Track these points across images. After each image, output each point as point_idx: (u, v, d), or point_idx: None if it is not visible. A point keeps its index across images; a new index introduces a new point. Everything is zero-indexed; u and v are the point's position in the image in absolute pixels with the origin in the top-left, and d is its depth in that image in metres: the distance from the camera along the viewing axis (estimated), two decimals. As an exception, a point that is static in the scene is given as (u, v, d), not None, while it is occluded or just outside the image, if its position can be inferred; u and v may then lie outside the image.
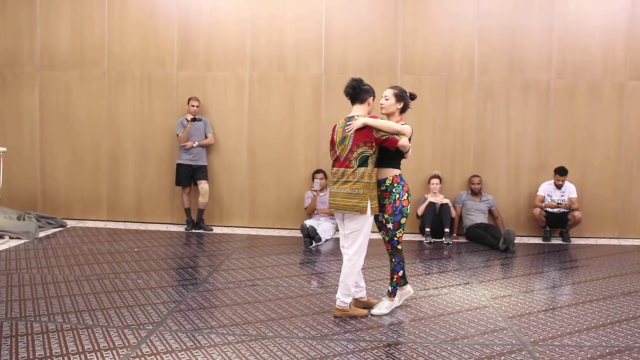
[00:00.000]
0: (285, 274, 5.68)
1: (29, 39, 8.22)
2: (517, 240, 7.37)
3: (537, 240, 7.71)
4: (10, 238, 6.88)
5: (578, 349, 3.84)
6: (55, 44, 8.20)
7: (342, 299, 4.40)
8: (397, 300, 4.61)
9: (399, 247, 4.46)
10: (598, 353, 3.78)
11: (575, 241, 7.67)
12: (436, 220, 7.52)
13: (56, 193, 8.35)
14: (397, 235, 4.42)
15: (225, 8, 8.03)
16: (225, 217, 8.21)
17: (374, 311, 4.49)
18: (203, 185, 7.78)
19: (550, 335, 4.11)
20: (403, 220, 4.39)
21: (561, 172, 7.54)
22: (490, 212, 7.81)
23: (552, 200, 7.61)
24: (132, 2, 8.10)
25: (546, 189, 7.69)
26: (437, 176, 7.67)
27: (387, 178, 4.38)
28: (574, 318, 4.50)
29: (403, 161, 4.47)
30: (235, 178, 8.15)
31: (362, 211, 4.26)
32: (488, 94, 7.91)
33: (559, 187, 7.59)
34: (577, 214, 7.55)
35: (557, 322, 4.40)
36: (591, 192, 7.90)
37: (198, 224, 7.89)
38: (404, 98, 4.44)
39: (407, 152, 4.37)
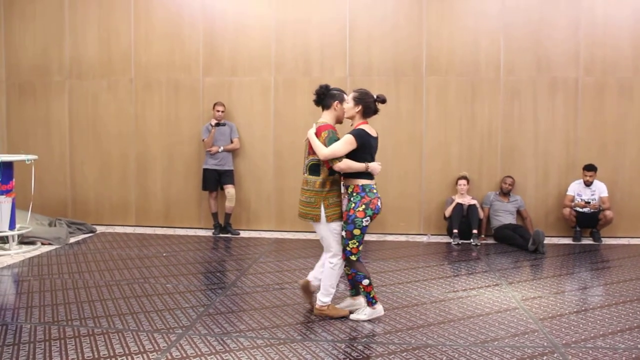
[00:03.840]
0: (313, 277, 5.68)
1: (58, 50, 8.39)
2: (547, 240, 7.24)
3: (567, 241, 7.59)
4: (42, 244, 7.02)
5: (612, 352, 3.76)
6: (83, 54, 8.35)
7: (321, 298, 4.43)
8: (380, 309, 4.41)
9: (352, 258, 4.29)
10: (633, 356, 3.70)
11: (606, 241, 7.52)
12: (464, 221, 7.45)
13: (86, 199, 8.48)
14: (350, 246, 4.27)
15: (250, 13, 8.07)
16: (253, 221, 8.24)
17: (353, 316, 4.42)
18: (229, 189, 7.83)
19: (582, 337, 4.04)
20: (356, 232, 4.24)
21: (588, 167, 7.41)
22: (518, 212, 7.71)
23: (581, 199, 7.48)
24: (158, 10, 8.21)
25: (576, 188, 7.56)
26: (464, 177, 7.60)
27: (350, 186, 4.33)
28: (607, 320, 4.42)
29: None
30: (262, 182, 8.18)
31: (315, 219, 4.33)
32: (515, 93, 7.80)
33: (588, 184, 7.45)
34: (608, 213, 7.40)
35: (590, 323, 4.33)
36: (623, 191, 7.74)
37: (225, 228, 7.94)
38: (363, 101, 4.36)
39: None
